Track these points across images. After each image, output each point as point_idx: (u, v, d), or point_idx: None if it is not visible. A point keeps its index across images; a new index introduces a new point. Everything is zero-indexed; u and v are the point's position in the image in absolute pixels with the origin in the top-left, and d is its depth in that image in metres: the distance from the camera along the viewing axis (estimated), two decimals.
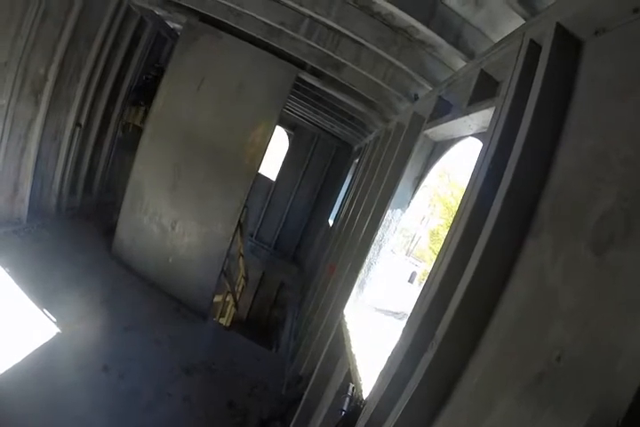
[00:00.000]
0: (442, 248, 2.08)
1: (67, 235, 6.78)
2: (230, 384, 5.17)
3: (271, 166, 11.64)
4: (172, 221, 7.20)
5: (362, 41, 4.38)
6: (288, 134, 11.89)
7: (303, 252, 11.52)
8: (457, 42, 3.11)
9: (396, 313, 5.08)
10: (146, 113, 7.76)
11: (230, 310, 8.34)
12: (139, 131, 7.71)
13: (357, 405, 1.87)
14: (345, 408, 1.93)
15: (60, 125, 6.63)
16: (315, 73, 6.73)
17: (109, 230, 7.52)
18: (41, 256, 5.70)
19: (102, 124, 7.53)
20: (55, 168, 6.83)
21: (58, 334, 4.63)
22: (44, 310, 4.85)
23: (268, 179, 11.85)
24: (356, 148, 10.33)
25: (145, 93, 7.77)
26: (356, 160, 9.43)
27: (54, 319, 4.81)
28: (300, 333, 6.05)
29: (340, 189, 10.34)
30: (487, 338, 1.58)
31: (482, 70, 2.70)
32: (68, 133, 6.77)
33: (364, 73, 5.16)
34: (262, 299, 10.40)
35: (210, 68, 6.91)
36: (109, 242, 7.29)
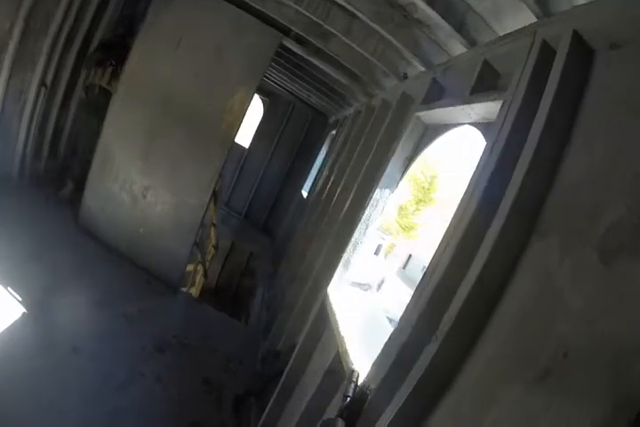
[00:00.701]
0: (442, 240, 2.15)
1: (30, 203, 6.44)
2: (204, 360, 5.18)
3: (244, 133, 11.34)
4: (143, 189, 6.94)
5: (357, 13, 4.26)
6: (263, 101, 11.56)
7: (275, 222, 11.51)
8: (460, 27, 3.08)
9: (362, 284, 5.25)
10: (114, 74, 7.23)
11: (200, 279, 8.33)
12: (106, 93, 7.23)
13: (364, 391, 1.95)
14: (350, 395, 2.01)
15: (25, 85, 6.18)
16: (299, 41, 6.50)
17: (75, 198, 7.17)
18: (1, 228, 5.39)
19: (69, 84, 7.03)
20: (18, 131, 6.44)
21: (24, 314, 4.46)
22: (8, 288, 4.65)
23: (241, 146, 11.58)
24: (332, 119, 10.20)
25: (112, 52, 7.21)
26: (333, 132, 9.34)
27: (19, 298, 4.62)
28: (275, 305, 6.15)
29: (315, 160, 10.27)
30: (491, 333, 1.69)
31: (485, 60, 2.70)
32: (32, 94, 6.34)
33: (352, 45, 5.03)
34: (231, 268, 10.41)
35: (188, 28, 6.52)
36: (76, 210, 6.95)
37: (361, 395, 1.90)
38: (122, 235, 6.88)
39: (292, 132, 11.42)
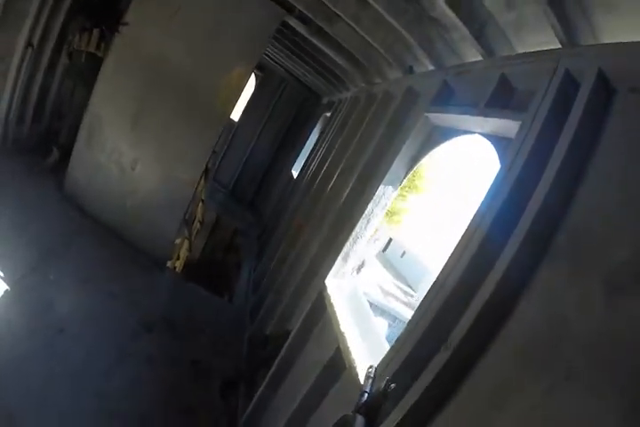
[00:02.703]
0: (454, 253, 2.28)
1: (12, 171, 6.17)
2: (192, 341, 5.19)
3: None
4: (132, 161, 6.77)
5: (370, 1, 4.19)
6: (256, 75, 11.27)
7: (262, 199, 11.49)
8: (479, 34, 3.12)
9: None
10: (101, 37, 6.87)
11: (184, 253, 8.35)
12: (94, 59, 6.89)
13: (386, 390, 2.01)
14: (368, 390, 2.10)
15: (10, 45, 5.84)
16: (302, 20, 6.35)
17: (61, 166, 6.96)
18: None
19: (57, 45, 6.68)
20: (1, 94, 6.09)
21: (6, 291, 4.31)
22: None
23: (231, 119, 11.35)
24: (325, 100, 10.10)
25: (97, 15, 6.79)
26: (328, 114, 9.27)
27: (1, 274, 4.47)
28: (262, 286, 6.27)
29: (307, 140, 10.20)
30: (499, 347, 1.85)
31: (502, 75, 2.78)
32: (18, 55, 6.00)
33: (359, 32, 4.98)
34: (215, 242, 10.42)
35: None
36: (61, 179, 6.75)
37: (381, 391, 1.99)
38: (109, 207, 6.74)
39: (284, 109, 11.26)
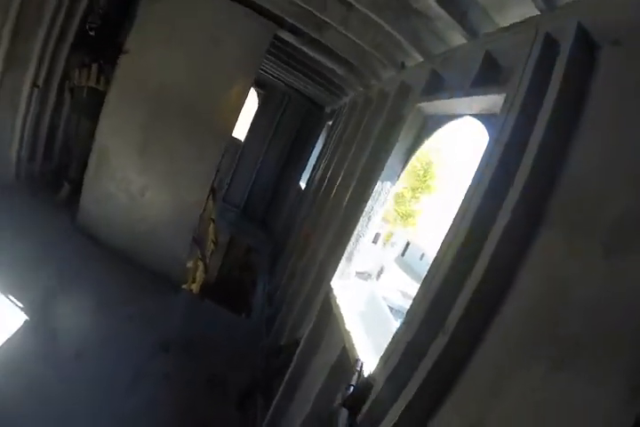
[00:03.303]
0: (448, 234, 2.16)
1: (27, 207, 6.32)
2: (208, 357, 5.17)
3: (239, 126, 11.25)
4: (141, 188, 6.87)
5: (353, 2, 4.20)
6: (257, 93, 11.45)
7: (273, 215, 11.48)
8: (459, 16, 3.05)
9: (362, 273, 5.28)
10: (100, 71, 7.07)
11: (200, 275, 8.33)
12: (95, 93, 7.08)
13: (368, 381, 1.98)
14: (354, 384, 2.04)
15: (17, 87, 6.07)
16: (294, 31, 6.42)
17: (73, 199, 7.11)
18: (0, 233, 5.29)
19: (62, 83, 6.91)
20: (12, 133, 6.30)
21: (26, 321, 4.41)
22: (9, 296, 4.58)
23: (236, 139, 11.50)
24: (328, 109, 10.14)
25: (94, 50, 6.96)
26: (330, 122, 9.29)
27: (21, 305, 4.56)
28: (276, 299, 6.17)
29: (312, 150, 10.21)
30: (499, 325, 1.71)
31: (487, 52, 2.69)
32: (25, 95, 6.22)
33: (349, 36, 4.99)
34: (231, 262, 10.42)
35: (182, 21, 6.41)
36: (74, 212, 6.88)
37: (365, 384, 1.93)
38: (121, 235, 6.81)
39: (288, 124, 11.34)
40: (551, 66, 1.94)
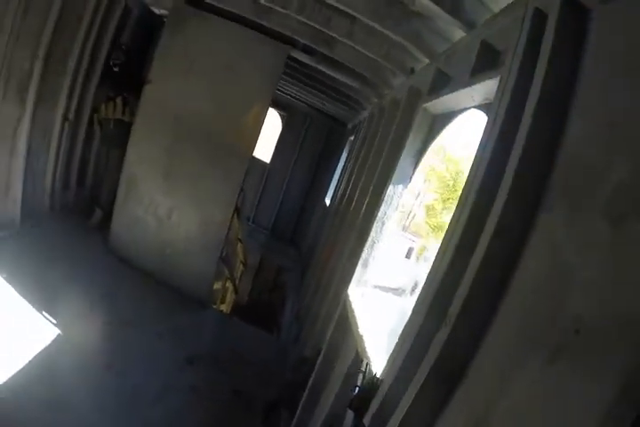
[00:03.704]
0: (450, 225, 2.05)
1: (61, 233, 6.65)
2: (235, 371, 5.19)
3: (265, 149, 11.49)
4: (167, 211, 7.11)
5: (356, 15, 4.26)
6: (280, 115, 11.71)
7: (300, 233, 11.51)
8: (456, 11, 3.01)
9: (395, 289, 5.09)
10: (125, 103, 7.47)
11: (230, 296, 8.36)
12: (121, 124, 7.45)
13: (374, 381, 1.86)
14: (359, 384, 1.93)
15: (49, 121, 6.45)
16: (306, 50, 6.58)
17: (104, 224, 7.40)
18: (37, 258, 5.57)
19: (91, 116, 7.32)
20: (46, 165, 6.68)
21: (59, 335, 4.59)
22: (44, 312, 4.78)
23: (263, 161, 11.73)
24: (350, 125, 10.20)
25: (119, 84, 7.37)
26: (351, 138, 9.32)
27: (54, 321, 4.76)
28: (302, 315, 6.08)
29: (336, 167, 10.25)
30: (502, 314, 1.57)
31: (483, 40, 2.62)
32: (57, 129, 6.59)
33: (357, 48, 5.04)
34: (261, 283, 10.43)
35: (199, 51, 6.73)
36: (105, 236, 7.18)
37: (371, 384, 1.81)
38: (150, 256, 7.02)
39: (312, 143, 11.49)
40: (541, 40, 1.85)
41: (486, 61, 2.54)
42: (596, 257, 1.34)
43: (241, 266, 8.87)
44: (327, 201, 9.57)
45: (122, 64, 7.19)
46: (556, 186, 1.61)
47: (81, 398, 3.88)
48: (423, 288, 2.05)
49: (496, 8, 2.70)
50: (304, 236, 11.01)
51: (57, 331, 4.66)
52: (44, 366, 4.02)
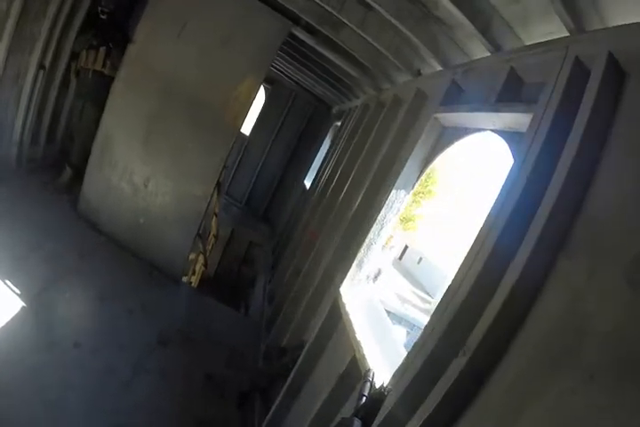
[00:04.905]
0: (468, 255, 2.17)
1: (28, 192, 6.26)
2: (207, 355, 5.15)
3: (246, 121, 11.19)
4: (144, 179, 6.81)
5: (374, 5, 4.16)
6: (265, 88, 11.39)
7: (275, 211, 11.48)
8: (485, 30, 3.04)
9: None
10: (107, 55, 6.96)
11: (200, 268, 8.33)
12: (101, 77, 6.99)
13: (382, 392, 1.99)
14: (366, 394, 2.06)
15: (22, 68, 5.95)
16: (309, 30, 6.37)
17: (74, 184, 7.05)
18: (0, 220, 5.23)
19: (68, 66, 6.82)
20: (16, 116, 6.21)
21: (23, 308, 4.33)
22: (6, 281, 4.51)
23: (242, 133, 11.45)
24: (336, 109, 10.10)
25: (104, 33, 6.83)
26: (338, 123, 9.25)
27: (18, 291, 4.48)
28: (277, 298, 6.18)
29: (318, 150, 10.19)
30: (518, 350, 1.72)
31: (512, 68, 2.68)
32: (30, 77, 6.11)
33: (366, 38, 4.95)
34: (231, 256, 10.42)
35: (194, 12, 6.33)
36: (75, 197, 6.82)
37: (378, 395, 1.94)
38: (122, 225, 6.77)
39: (294, 121, 11.30)
40: (580, 90, 1.94)
41: (514, 91, 2.63)
42: (613, 311, 1.49)
43: (213, 239, 8.81)
44: (307, 184, 9.56)
45: (110, 13, 6.68)
46: (581, 234, 1.74)
47: (47, 379, 3.72)
48: (437, 311, 2.18)
49: (526, 39, 2.75)
50: (279, 214, 11.00)
51: (21, 303, 4.40)
52: (6, 342, 3.81)
